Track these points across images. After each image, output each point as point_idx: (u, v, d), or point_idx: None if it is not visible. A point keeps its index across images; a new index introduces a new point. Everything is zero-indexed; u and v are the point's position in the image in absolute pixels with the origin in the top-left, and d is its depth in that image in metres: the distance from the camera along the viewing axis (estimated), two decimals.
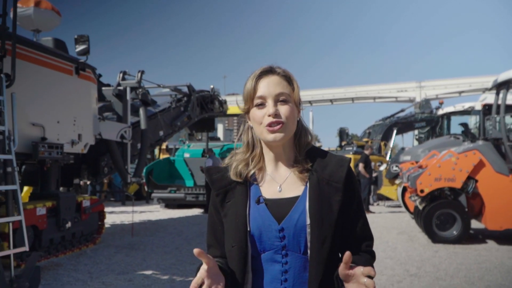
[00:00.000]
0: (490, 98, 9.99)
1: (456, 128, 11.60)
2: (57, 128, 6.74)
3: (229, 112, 14.60)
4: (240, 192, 1.36)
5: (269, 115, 1.30)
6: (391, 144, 17.04)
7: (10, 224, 4.42)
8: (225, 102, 13.96)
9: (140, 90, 9.66)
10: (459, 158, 7.41)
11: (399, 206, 12.83)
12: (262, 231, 1.31)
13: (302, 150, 1.37)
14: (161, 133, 10.59)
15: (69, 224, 6.77)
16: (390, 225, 10.04)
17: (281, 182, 1.36)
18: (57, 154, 6.51)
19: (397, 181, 11.57)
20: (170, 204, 13.97)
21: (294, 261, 1.30)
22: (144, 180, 12.57)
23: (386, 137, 17.59)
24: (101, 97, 8.86)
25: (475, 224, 8.12)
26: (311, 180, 1.32)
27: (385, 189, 13.40)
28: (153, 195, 13.84)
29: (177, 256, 6.75)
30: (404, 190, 9.96)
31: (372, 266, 1.30)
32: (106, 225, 8.53)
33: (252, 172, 1.38)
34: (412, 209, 9.58)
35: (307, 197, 1.30)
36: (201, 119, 12.73)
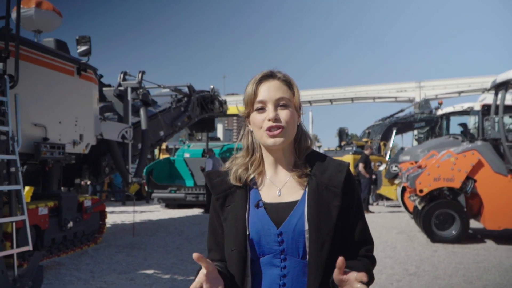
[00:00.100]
0: (489, 98, 9.99)
1: (455, 128, 11.65)
2: (59, 129, 6.76)
3: (229, 112, 14.62)
4: (240, 196, 1.37)
5: (269, 120, 1.30)
6: (390, 144, 17.03)
7: (13, 224, 4.46)
8: (225, 102, 13.98)
9: (140, 90, 9.68)
10: (458, 158, 7.45)
11: (398, 206, 12.88)
12: (261, 235, 1.31)
13: (301, 155, 1.37)
14: (162, 133, 10.62)
15: (70, 224, 6.82)
16: (390, 224, 10.09)
17: (280, 186, 1.36)
18: (59, 154, 6.54)
19: (396, 181, 11.59)
20: (170, 204, 14.00)
21: (293, 265, 1.30)
22: (144, 180, 12.62)
23: (386, 137, 17.60)
24: (102, 97, 8.89)
25: (473, 224, 8.16)
26: (310, 184, 1.32)
27: (385, 189, 13.42)
28: (153, 195, 13.87)
29: (178, 255, 6.79)
30: (404, 190, 9.97)
31: (371, 271, 1.30)
32: (107, 225, 8.56)
33: (252, 176, 1.38)
34: (411, 209, 9.61)
35: (305, 202, 1.30)
36: (201, 119, 12.75)
